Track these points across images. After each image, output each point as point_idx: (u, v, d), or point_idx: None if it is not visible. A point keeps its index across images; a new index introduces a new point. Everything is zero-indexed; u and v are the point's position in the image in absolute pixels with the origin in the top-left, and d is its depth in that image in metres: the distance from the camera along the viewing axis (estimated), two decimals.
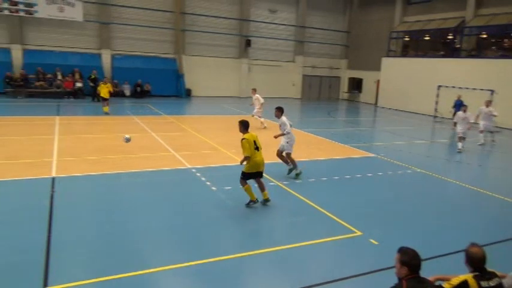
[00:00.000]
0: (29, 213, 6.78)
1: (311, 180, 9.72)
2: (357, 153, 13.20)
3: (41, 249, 5.52)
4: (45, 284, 4.73)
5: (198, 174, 9.59)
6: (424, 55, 28.03)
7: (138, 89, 26.59)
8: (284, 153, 9.82)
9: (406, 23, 29.74)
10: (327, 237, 6.53)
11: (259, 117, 17.25)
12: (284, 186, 9.00)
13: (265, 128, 16.53)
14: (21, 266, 5.12)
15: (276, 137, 9.93)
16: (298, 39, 33.09)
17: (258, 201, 7.66)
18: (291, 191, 8.71)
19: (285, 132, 9.57)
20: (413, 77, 26.97)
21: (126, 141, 9.23)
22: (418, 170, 11.26)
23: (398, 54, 30.12)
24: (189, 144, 13.06)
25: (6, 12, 23.42)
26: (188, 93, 29.24)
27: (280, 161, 9.93)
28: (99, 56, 26.60)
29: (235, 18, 30.39)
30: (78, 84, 24.34)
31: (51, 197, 7.52)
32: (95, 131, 14.66)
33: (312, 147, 13.80)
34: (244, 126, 7.67)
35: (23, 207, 7.08)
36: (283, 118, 9.68)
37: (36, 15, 24.08)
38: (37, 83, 23.74)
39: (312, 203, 8.00)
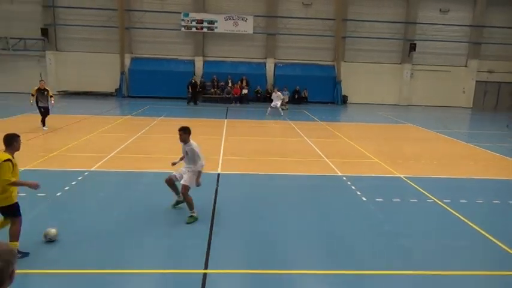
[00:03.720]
0: (198, 203, 7.81)
1: (479, 201, 8.55)
2: None
3: (204, 235, 6.35)
4: (206, 266, 5.44)
5: (349, 182, 9.50)
6: None
7: (296, 95, 27.78)
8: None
9: None
10: (492, 270, 5.66)
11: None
12: (444, 205, 8.16)
13: None
14: (188, 249, 5.98)
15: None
16: (473, 41, 29.31)
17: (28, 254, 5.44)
18: (452, 211, 7.83)
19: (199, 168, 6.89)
20: None
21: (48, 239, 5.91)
22: None
23: None
24: (342, 151, 13.02)
25: (193, 29, 27.65)
26: (344, 100, 29.08)
27: (435, 175, 9.02)
28: (264, 64, 28.85)
29: (401, 21, 28.83)
30: (244, 91, 26.90)
31: (216, 191, 8.56)
32: (254, 134, 16.00)
33: (482, 163, 12.08)
34: (5, 142, 5.35)
35: (193, 196, 8.20)
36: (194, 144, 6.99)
37: (216, 30, 27.71)
38: (212, 90, 27.31)
39: (477, 228, 7.03)
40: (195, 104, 25.36)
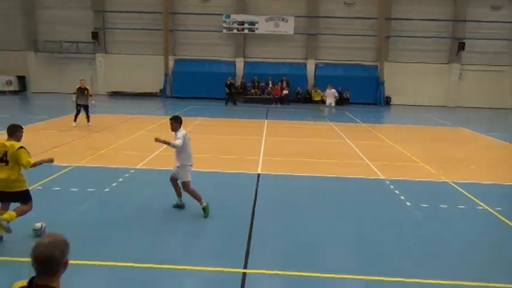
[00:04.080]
0: (239, 203, 7.93)
1: None
2: None
3: (244, 235, 6.39)
4: (245, 266, 5.48)
5: (392, 186, 9.22)
6: None
7: (338, 96, 27.31)
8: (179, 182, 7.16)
9: None
10: None
11: None
12: (496, 213, 7.72)
13: None
14: (228, 247, 6.06)
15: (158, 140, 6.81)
16: None
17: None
18: (505, 220, 7.38)
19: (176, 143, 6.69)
20: None
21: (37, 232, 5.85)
22: None
23: None
24: (385, 154, 12.66)
25: (235, 31, 27.99)
26: (387, 101, 28.28)
27: (486, 181, 8.52)
28: (304, 65, 28.67)
29: (448, 19, 27.62)
30: (285, 92, 26.85)
31: (256, 191, 8.60)
32: (295, 135, 15.91)
33: None
34: (9, 130, 5.60)
35: (234, 196, 8.33)
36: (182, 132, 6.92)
37: (256, 31, 27.89)
38: (252, 90, 27.51)
39: None
40: (234, 104, 25.64)
